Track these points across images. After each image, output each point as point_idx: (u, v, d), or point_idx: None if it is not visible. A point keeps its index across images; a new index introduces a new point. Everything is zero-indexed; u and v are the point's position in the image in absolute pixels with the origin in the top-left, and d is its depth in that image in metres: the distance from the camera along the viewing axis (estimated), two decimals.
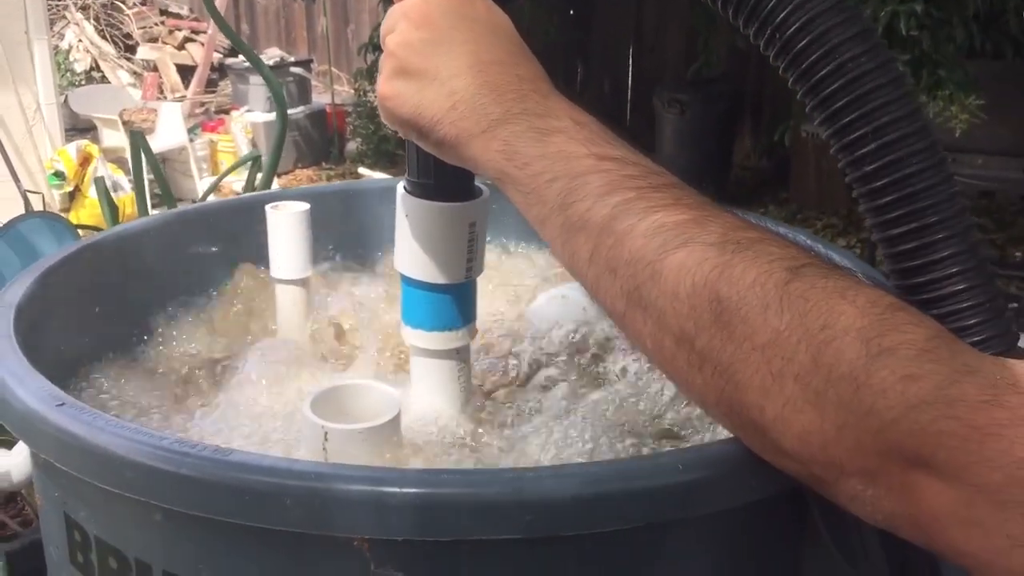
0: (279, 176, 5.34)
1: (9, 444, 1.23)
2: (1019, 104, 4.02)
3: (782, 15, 0.64)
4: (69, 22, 7.89)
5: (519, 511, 0.55)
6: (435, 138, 0.66)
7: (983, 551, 0.48)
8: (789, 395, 0.51)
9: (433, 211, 0.78)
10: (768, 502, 0.60)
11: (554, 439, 0.69)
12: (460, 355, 0.82)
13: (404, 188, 0.79)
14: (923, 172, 0.62)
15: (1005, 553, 0.47)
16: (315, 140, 5.97)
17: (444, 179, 0.77)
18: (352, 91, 6.30)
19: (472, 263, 0.80)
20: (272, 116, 5.72)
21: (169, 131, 5.25)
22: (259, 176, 1.84)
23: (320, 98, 6.50)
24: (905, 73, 0.63)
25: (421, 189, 0.78)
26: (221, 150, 5.49)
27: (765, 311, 0.52)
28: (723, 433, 0.59)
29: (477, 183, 0.79)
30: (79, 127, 5.96)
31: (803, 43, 0.64)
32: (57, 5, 7.74)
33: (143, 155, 1.73)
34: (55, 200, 4.46)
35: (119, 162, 4.85)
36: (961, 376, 0.49)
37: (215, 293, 0.98)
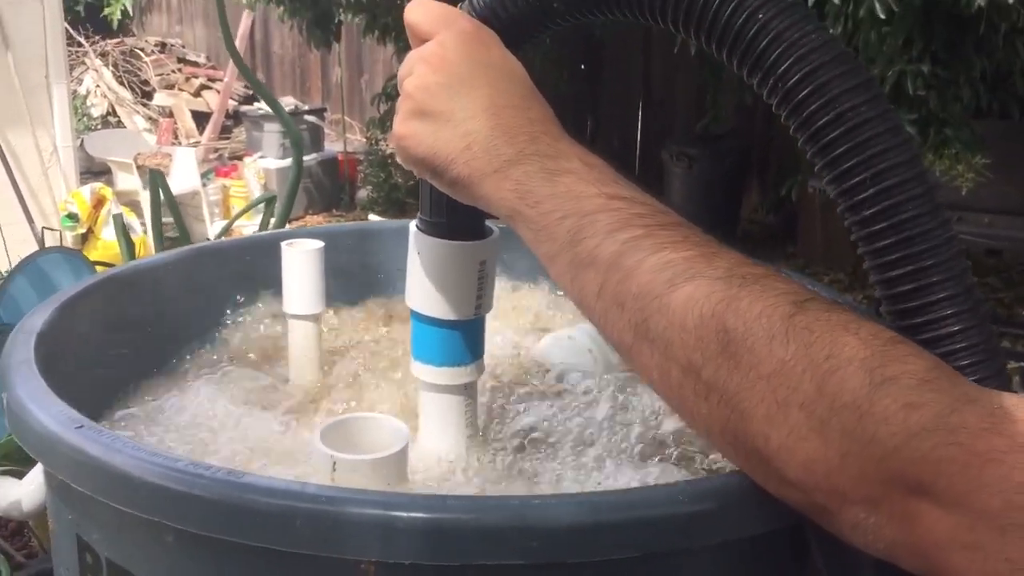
0: (290, 222, 5.38)
1: (19, 474, 1.24)
2: None
3: (784, 66, 0.67)
4: (88, 68, 8.03)
5: (524, 537, 0.56)
6: (449, 177, 0.69)
7: None
8: (794, 424, 0.52)
9: (445, 249, 0.80)
10: (769, 535, 0.61)
11: (563, 470, 0.71)
12: (468, 391, 0.84)
13: (417, 227, 0.81)
14: (920, 217, 0.64)
15: None
16: (326, 187, 6.04)
17: (456, 218, 0.79)
18: (364, 140, 6.38)
19: (482, 300, 0.81)
20: (285, 162, 5.80)
21: (183, 175, 5.31)
22: (272, 220, 1.87)
23: (332, 146, 6.59)
24: (902, 122, 0.65)
25: (434, 228, 0.80)
26: (234, 195, 5.55)
27: (771, 342, 0.54)
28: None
29: (487, 223, 0.82)
30: (94, 170, 6.03)
31: (804, 93, 0.66)
32: (77, 51, 7.89)
33: (162, 194, 1.77)
34: (68, 241, 4.51)
35: (132, 205, 4.91)
36: (961, 405, 0.50)
37: (230, 324, 1.00)
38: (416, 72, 0.71)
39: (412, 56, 0.72)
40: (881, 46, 3.18)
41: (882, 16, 2.99)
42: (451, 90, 0.69)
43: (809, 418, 0.52)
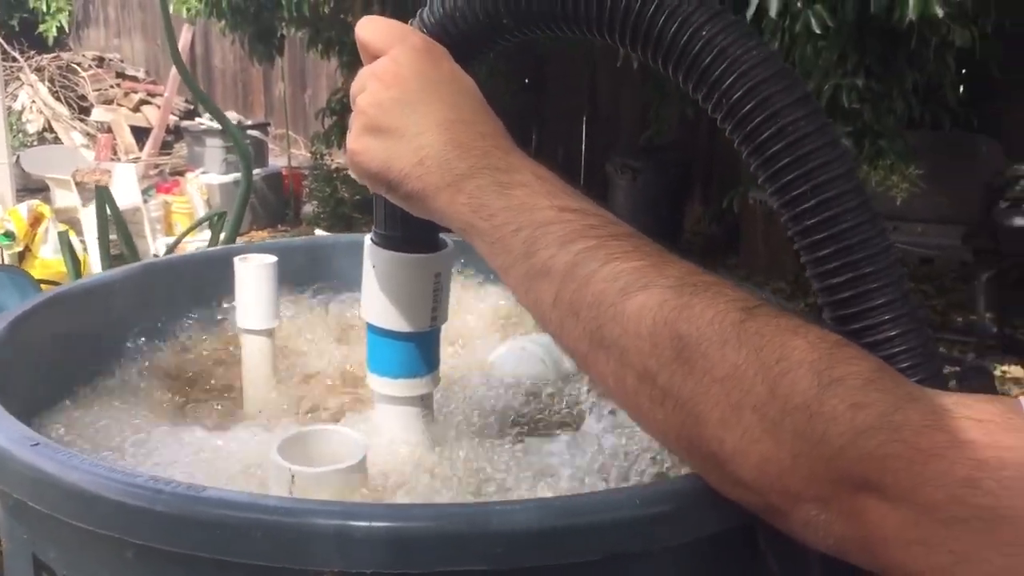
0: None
1: None
2: (956, 173, 4.18)
3: (729, 81, 0.69)
4: (23, 83, 7.87)
5: (488, 543, 0.57)
6: (403, 191, 0.70)
7: (928, 569, 0.51)
8: (747, 426, 0.54)
9: (400, 262, 0.81)
10: (726, 533, 0.62)
11: (520, 476, 0.72)
12: (424, 402, 0.84)
13: (372, 239, 0.82)
14: (859, 226, 0.67)
15: (948, 570, 0.50)
16: (271, 202, 6.00)
17: (411, 231, 0.80)
18: (308, 154, 6.35)
19: (437, 312, 0.82)
20: (228, 178, 5.74)
21: (123, 192, 5.23)
22: (222, 235, 1.86)
23: (276, 161, 6.54)
24: (839, 135, 0.68)
25: (388, 241, 0.81)
26: (176, 211, 5.48)
27: (723, 346, 0.55)
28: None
29: (442, 236, 0.83)
30: (31, 187, 5.91)
31: (748, 107, 0.69)
32: (11, 66, 7.73)
33: (108, 211, 1.74)
34: (4, 259, 4.41)
35: (71, 223, 4.82)
36: (905, 403, 0.52)
37: (182, 340, 0.99)
38: (369, 88, 0.72)
39: (364, 72, 0.73)
40: (817, 60, 3.26)
41: (818, 31, 3.08)
42: (404, 106, 0.70)
43: (762, 420, 0.54)
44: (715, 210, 5.09)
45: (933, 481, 0.50)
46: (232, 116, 6.58)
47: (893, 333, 0.65)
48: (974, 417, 0.52)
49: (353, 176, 0.75)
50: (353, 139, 0.72)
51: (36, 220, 4.61)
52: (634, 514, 0.60)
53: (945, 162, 4.04)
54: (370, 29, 0.73)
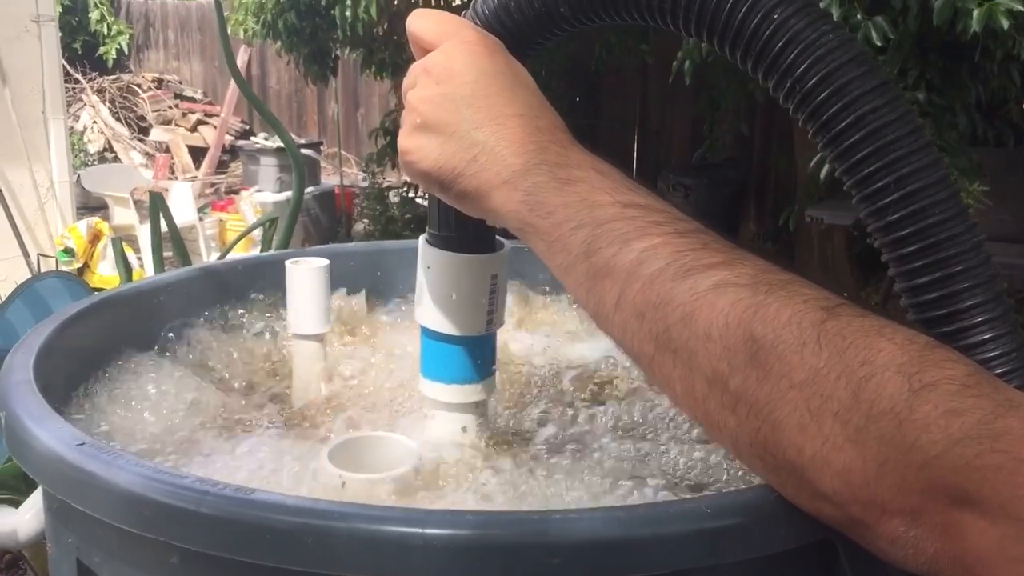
0: None
1: (16, 503, 1.21)
2: (1022, 191, 4.07)
3: (802, 68, 0.65)
4: (85, 104, 8.06)
5: (545, 554, 0.54)
6: (456, 190, 0.67)
7: None
8: (828, 433, 0.50)
9: (455, 263, 0.78)
10: (798, 552, 0.58)
11: (578, 484, 0.68)
12: (479, 409, 0.81)
13: (426, 240, 0.80)
14: (947, 222, 0.63)
15: None
16: (323, 221, 6.05)
17: (466, 231, 0.77)
18: (360, 173, 6.40)
19: (492, 315, 0.80)
20: (282, 196, 5.81)
21: (179, 210, 5.31)
22: (275, 240, 1.86)
23: (329, 180, 6.60)
24: (921, 124, 0.64)
25: (443, 241, 0.78)
26: (230, 229, 5.56)
27: (802, 349, 0.52)
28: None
29: (498, 237, 0.80)
30: (90, 205, 6.03)
31: (823, 96, 0.65)
32: (74, 88, 7.93)
33: (163, 219, 1.75)
34: None
35: (129, 240, 4.90)
36: (1004, 411, 0.48)
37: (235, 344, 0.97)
38: (420, 84, 0.69)
39: (416, 67, 0.71)
40: None
41: (878, 43, 3.01)
42: (456, 101, 0.67)
43: (845, 427, 0.50)
44: (770, 228, 5.01)
45: None
46: None
47: (986, 336, 0.61)
48: None
49: (405, 176, 0.72)
50: (404, 137, 0.69)
51: (95, 237, 4.70)
52: (702, 527, 0.56)
53: (1010, 180, 3.93)
54: (421, 22, 0.71)
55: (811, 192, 4.15)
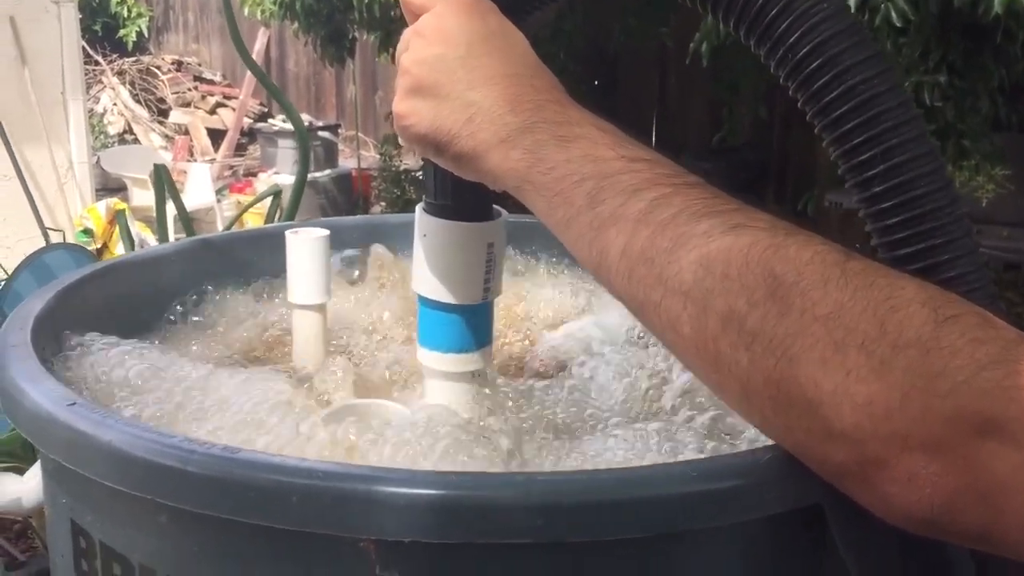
0: None
1: (21, 471, 1.23)
2: None
3: (795, 36, 0.65)
4: (105, 86, 8.10)
5: (529, 515, 0.54)
6: (453, 152, 0.66)
7: None
8: (852, 365, 0.50)
9: (452, 231, 0.78)
10: (785, 516, 0.58)
11: (575, 454, 0.68)
12: (476, 378, 0.81)
13: (423, 208, 0.79)
14: (931, 194, 0.63)
15: None
16: (340, 203, 6.05)
17: (463, 199, 0.77)
18: (378, 156, 6.40)
19: (490, 284, 0.79)
20: None
21: (197, 191, 5.34)
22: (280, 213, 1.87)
23: (346, 162, 6.61)
24: (912, 98, 0.64)
25: (440, 209, 0.78)
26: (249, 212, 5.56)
27: (825, 284, 0.51)
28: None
29: (495, 207, 0.80)
30: (110, 187, 6.06)
31: (814, 65, 0.65)
32: (94, 69, 7.96)
33: (165, 187, 1.76)
34: None
35: (147, 221, 4.92)
36: (1022, 340, 0.49)
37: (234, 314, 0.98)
38: (412, 47, 0.68)
39: (408, 31, 0.70)
40: (898, 56, 3.15)
41: (899, 25, 2.97)
42: (450, 62, 0.66)
43: (870, 358, 0.49)
44: (790, 212, 4.98)
45: None
46: (304, 118, 6.67)
47: None
48: None
49: (401, 142, 0.72)
50: (398, 101, 0.69)
51: (114, 218, 4.72)
52: (686, 489, 0.55)
53: None
54: None
55: (831, 177, 4.12)
